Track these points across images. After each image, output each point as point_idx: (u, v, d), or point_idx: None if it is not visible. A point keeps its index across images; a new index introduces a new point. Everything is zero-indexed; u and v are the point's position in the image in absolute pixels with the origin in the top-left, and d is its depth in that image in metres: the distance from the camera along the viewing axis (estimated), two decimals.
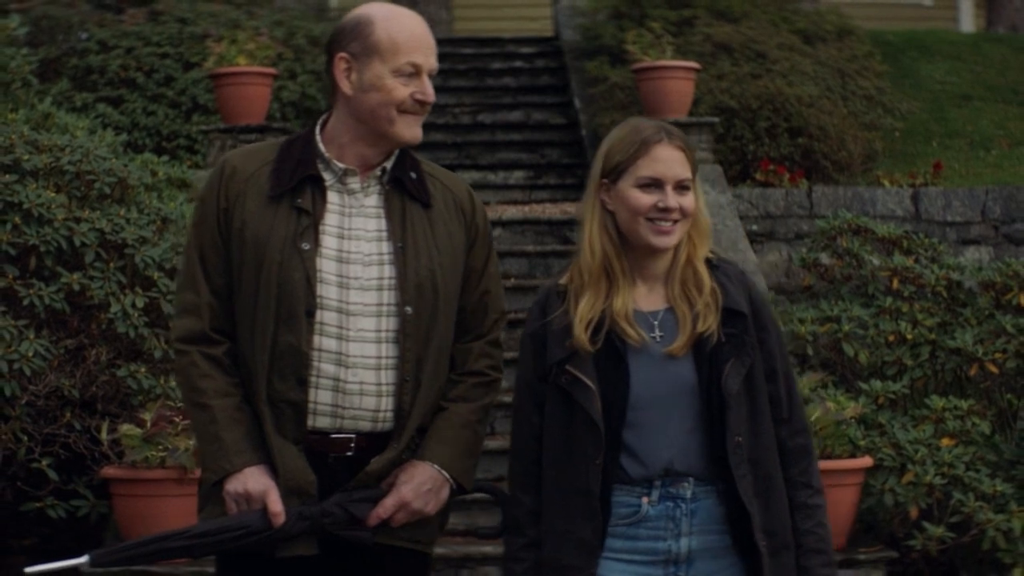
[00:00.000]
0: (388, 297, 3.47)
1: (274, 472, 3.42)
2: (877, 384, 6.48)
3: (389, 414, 3.47)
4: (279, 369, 3.42)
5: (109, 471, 6.04)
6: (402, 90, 3.46)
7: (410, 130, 3.50)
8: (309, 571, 3.47)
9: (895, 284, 6.98)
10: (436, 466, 3.50)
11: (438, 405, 3.57)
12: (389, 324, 3.46)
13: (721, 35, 10.98)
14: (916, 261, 7.21)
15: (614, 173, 3.33)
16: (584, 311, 3.30)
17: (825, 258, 7.31)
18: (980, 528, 6.04)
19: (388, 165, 3.54)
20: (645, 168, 3.30)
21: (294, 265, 3.43)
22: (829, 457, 6.06)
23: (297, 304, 3.41)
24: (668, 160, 3.31)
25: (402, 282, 3.46)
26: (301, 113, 10.29)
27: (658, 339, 3.30)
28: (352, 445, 3.46)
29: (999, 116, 12.00)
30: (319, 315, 3.43)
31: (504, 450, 7.09)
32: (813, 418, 5.98)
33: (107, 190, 6.47)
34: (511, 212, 9.43)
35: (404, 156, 3.57)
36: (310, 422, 3.45)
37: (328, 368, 3.43)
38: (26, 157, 6.33)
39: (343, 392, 3.44)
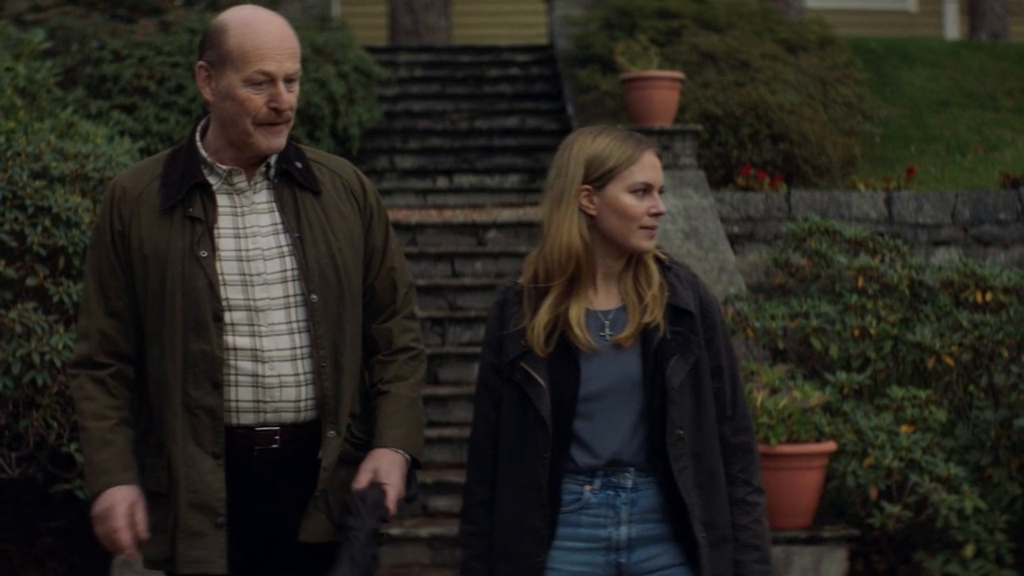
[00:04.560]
0: (293, 288, 3.47)
1: (172, 489, 3.42)
2: (842, 375, 6.95)
3: (311, 403, 3.47)
4: (193, 376, 3.41)
5: None
6: (255, 99, 3.40)
7: (268, 140, 3.45)
8: None
9: (861, 282, 7.44)
10: (400, 451, 3.55)
11: (376, 389, 3.60)
12: (299, 315, 3.47)
13: (707, 45, 11.41)
14: (882, 261, 7.68)
15: (601, 179, 3.37)
16: (543, 317, 3.38)
17: (796, 258, 7.79)
18: (935, 508, 6.47)
19: (272, 160, 3.51)
20: (639, 174, 3.37)
21: (196, 274, 3.42)
22: (796, 442, 6.54)
23: (203, 311, 3.41)
24: (656, 167, 3.41)
25: (304, 272, 3.46)
26: (305, 120, 10.63)
27: (607, 337, 3.39)
28: (277, 438, 3.46)
29: (976, 122, 12.33)
30: (229, 316, 3.42)
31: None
32: (780, 406, 6.47)
33: None
34: (506, 215, 9.75)
35: (288, 147, 3.54)
36: (234, 420, 3.44)
37: (245, 365, 3.43)
38: (54, 164, 6.72)
39: (263, 387, 3.44)
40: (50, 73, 7.87)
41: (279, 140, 3.47)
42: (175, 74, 10.75)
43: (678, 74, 10.17)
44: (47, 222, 6.47)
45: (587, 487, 3.37)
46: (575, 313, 3.37)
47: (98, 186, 6.84)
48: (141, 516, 3.44)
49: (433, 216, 9.71)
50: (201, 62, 3.45)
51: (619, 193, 3.37)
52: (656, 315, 3.37)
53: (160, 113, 10.59)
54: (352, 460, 3.55)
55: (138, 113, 10.54)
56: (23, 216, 6.48)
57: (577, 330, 3.36)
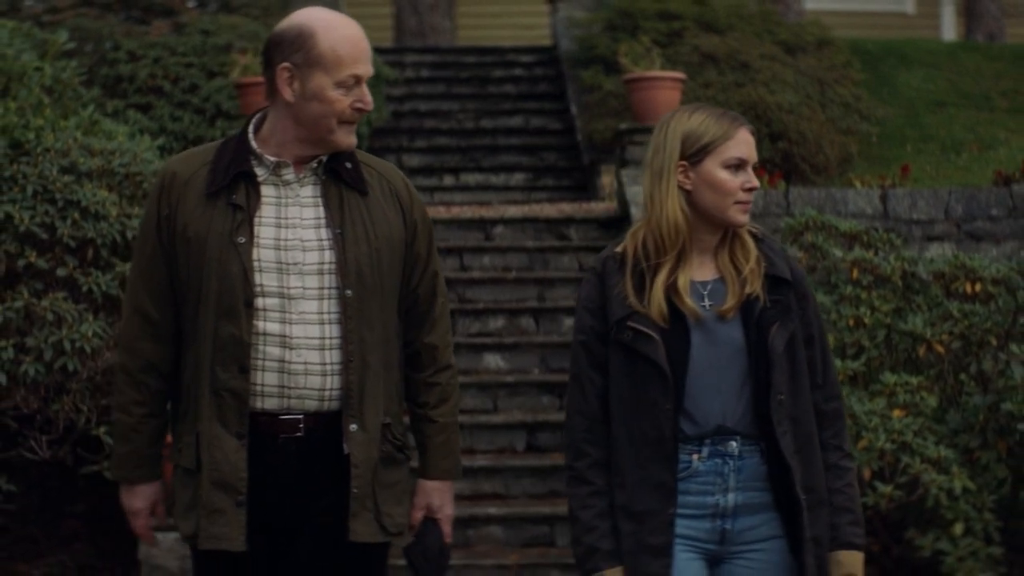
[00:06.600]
0: (329, 281, 3.55)
1: (198, 467, 3.55)
2: (837, 362, 7.21)
3: (335, 392, 3.55)
4: (221, 359, 3.51)
5: None
6: (343, 101, 3.52)
7: (347, 138, 3.58)
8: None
9: (855, 274, 7.69)
10: (449, 481, 3.77)
11: (423, 414, 3.74)
12: (331, 307, 3.55)
13: (708, 46, 11.65)
14: (876, 254, 7.95)
15: (697, 155, 3.43)
16: (659, 288, 3.43)
17: (794, 251, 8.05)
18: (926, 488, 6.70)
19: (324, 157, 3.61)
20: (734, 149, 3.43)
21: (231, 259, 3.51)
22: None
23: (236, 297, 3.50)
24: (750, 142, 3.47)
25: (342, 267, 3.55)
26: None
27: (707, 307, 3.45)
28: (301, 426, 3.55)
29: (971, 121, 12.52)
30: (260, 302, 3.51)
31: (507, 424, 7.87)
32: None
33: None
34: (512, 211, 9.96)
35: None
36: (259, 404, 3.53)
37: (273, 351, 3.52)
38: (81, 160, 6.95)
39: (288, 373, 3.52)
40: (74, 72, 8.15)
41: (354, 137, 3.62)
42: (189, 74, 11.00)
43: (680, 75, 10.44)
44: (76, 215, 6.71)
45: (695, 456, 3.43)
46: (683, 282, 3.44)
47: (123, 181, 7.08)
48: (160, 509, 3.74)
49: (442, 212, 9.97)
50: (286, 64, 3.53)
51: (714, 168, 3.43)
52: (756, 286, 3.44)
53: (175, 112, 10.83)
54: (395, 461, 3.68)
55: (153, 112, 10.79)
56: (53, 209, 6.72)
57: (687, 299, 3.43)
